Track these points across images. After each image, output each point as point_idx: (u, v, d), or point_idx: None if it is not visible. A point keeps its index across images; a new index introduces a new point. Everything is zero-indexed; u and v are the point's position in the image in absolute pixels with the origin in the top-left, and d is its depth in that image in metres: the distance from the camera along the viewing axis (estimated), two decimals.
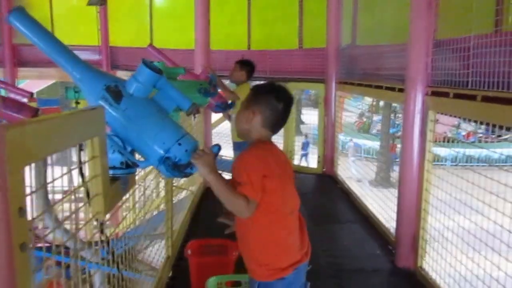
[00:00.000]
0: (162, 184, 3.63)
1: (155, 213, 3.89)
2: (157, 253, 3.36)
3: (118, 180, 2.01)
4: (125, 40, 8.85)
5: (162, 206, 3.97)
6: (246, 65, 5.32)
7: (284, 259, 2.11)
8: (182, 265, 3.65)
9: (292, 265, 2.11)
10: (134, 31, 8.90)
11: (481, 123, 3.04)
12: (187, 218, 4.70)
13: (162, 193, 3.70)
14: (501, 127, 2.76)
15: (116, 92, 1.95)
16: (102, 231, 2.00)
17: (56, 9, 8.50)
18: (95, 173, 1.71)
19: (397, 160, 11.42)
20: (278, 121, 2.19)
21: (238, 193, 1.98)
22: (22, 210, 1.04)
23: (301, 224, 2.22)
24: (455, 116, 3.39)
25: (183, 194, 5.13)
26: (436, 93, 3.48)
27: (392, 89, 4.22)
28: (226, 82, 5.20)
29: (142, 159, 2.07)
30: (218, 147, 2.07)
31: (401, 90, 3.90)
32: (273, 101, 2.15)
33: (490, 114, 2.81)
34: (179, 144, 1.95)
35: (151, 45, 4.67)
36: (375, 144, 13.00)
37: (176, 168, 1.95)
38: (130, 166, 2.09)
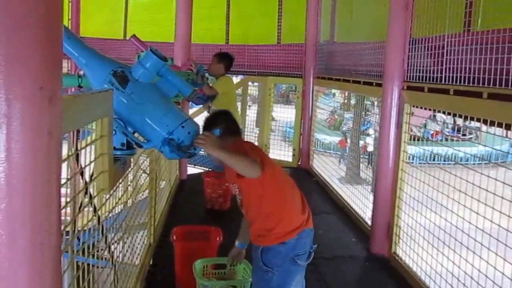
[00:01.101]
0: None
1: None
2: (131, 244, 3.41)
3: (118, 161, 2.11)
4: (96, 31, 8.67)
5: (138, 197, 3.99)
6: (224, 58, 5.36)
7: (286, 224, 2.27)
8: (163, 252, 3.77)
9: (294, 230, 2.27)
10: (106, 22, 8.74)
11: (455, 115, 3.23)
12: (166, 208, 4.79)
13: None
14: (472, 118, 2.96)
15: (122, 77, 2.06)
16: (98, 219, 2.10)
17: None
18: (102, 151, 1.81)
19: (346, 154, 11.73)
20: (236, 126, 2.51)
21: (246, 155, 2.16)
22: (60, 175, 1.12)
23: (302, 198, 2.40)
24: (429, 109, 3.58)
25: (161, 185, 5.21)
26: (412, 88, 3.65)
27: (370, 83, 4.41)
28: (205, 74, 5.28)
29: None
30: (219, 130, 2.21)
31: (378, 84, 4.07)
32: (222, 117, 2.48)
33: (461, 107, 3.01)
34: (183, 127, 2.08)
35: (134, 36, 4.72)
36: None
37: (180, 149, 2.07)
38: (130, 147, 2.20)
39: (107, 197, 2.16)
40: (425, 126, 12.38)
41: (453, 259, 3.08)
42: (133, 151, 2.25)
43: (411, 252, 3.58)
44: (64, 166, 1.61)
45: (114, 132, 2.03)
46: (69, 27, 8.52)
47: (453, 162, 3.68)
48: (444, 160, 4.13)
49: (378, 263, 3.86)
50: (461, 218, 3.00)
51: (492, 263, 2.63)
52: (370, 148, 12.50)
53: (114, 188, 2.41)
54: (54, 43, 1.00)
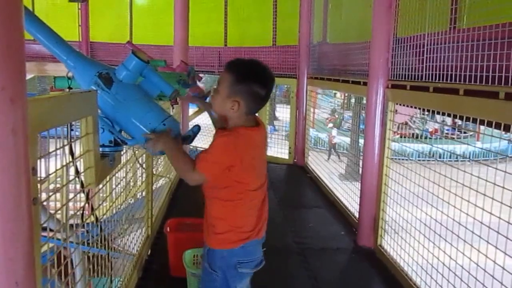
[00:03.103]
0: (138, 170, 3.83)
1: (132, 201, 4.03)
2: (135, 238, 3.59)
3: (107, 157, 2.26)
4: (105, 35, 8.97)
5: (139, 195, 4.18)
6: None
7: (235, 233, 2.20)
8: (160, 244, 3.94)
9: (240, 240, 2.19)
10: (114, 27, 9.01)
11: (434, 112, 3.35)
12: (165, 203, 4.98)
13: (138, 181, 3.91)
14: (449, 115, 3.06)
15: (107, 78, 2.21)
16: (92, 209, 2.24)
17: (37, 5, 8.64)
18: (88, 148, 1.95)
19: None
20: (260, 106, 2.17)
21: (192, 162, 2.10)
22: (34, 170, 1.23)
23: (264, 201, 2.29)
24: (414, 107, 3.70)
25: (161, 182, 5.39)
26: (395, 86, 3.77)
27: (358, 83, 4.54)
28: (202, 75, 5.40)
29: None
30: (198, 127, 2.34)
31: (365, 83, 4.18)
32: (258, 89, 2.09)
33: (439, 103, 3.11)
34: (164, 125, 2.21)
35: (129, 42, 4.87)
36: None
37: None
38: (117, 144, 2.33)
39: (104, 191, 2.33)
40: (425, 123, 12.47)
41: (432, 251, 3.20)
42: (120, 147, 2.38)
43: (395, 245, 3.71)
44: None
45: (102, 130, 2.18)
46: (79, 33, 8.82)
47: (433, 159, 3.77)
48: (427, 156, 4.23)
49: (364, 255, 4.01)
50: (444, 214, 3.11)
51: (475, 257, 2.72)
52: (335, 140, 12.69)
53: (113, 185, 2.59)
54: (14, 45, 1.06)
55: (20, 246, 1.12)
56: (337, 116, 14.75)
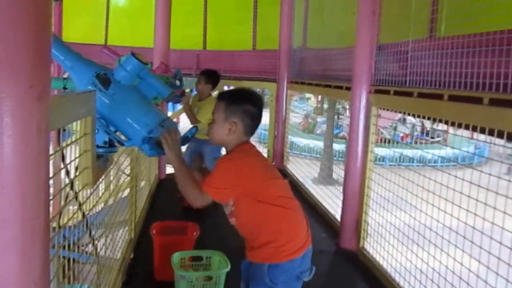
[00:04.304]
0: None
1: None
2: (118, 241, 3.55)
3: (101, 158, 2.26)
4: (79, 36, 8.79)
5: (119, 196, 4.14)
6: (212, 77, 5.30)
7: (295, 242, 2.23)
8: (142, 247, 3.91)
9: (300, 248, 2.23)
10: (88, 27, 8.87)
11: (419, 116, 3.41)
12: (145, 205, 4.95)
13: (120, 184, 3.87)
14: (434, 120, 3.12)
15: (105, 79, 2.21)
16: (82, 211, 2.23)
17: None
18: (85, 148, 1.94)
19: None
20: (256, 125, 2.29)
21: (198, 184, 2.19)
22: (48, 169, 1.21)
23: (304, 213, 2.37)
24: (395, 111, 3.77)
25: (141, 184, 5.35)
26: (379, 91, 3.83)
27: (340, 87, 4.58)
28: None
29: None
30: (196, 129, 2.36)
31: (348, 88, 4.24)
32: (250, 107, 2.23)
33: (424, 108, 3.16)
34: (162, 126, 2.23)
35: (106, 46, 4.79)
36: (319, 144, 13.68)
37: (160, 146, 2.23)
38: (112, 145, 2.34)
39: (91, 192, 2.31)
40: (395, 129, 12.75)
41: (416, 253, 3.26)
42: (114, 148, 2.37)
43: (378, 247, 3.77)
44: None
45: (97, 130, 2.17)
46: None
47: (422, 164, 3.85)
48: (410, 161, 4.32)
49: (346, 257, 4.06)
50: (427, 216, 3.16)
51: (458, 259, 2.76)
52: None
53: (98, 185, 2.56)
54: (42, 43, 1.07)
55: (38, 244, 1.12)
56: (310, 120, 14.89)
